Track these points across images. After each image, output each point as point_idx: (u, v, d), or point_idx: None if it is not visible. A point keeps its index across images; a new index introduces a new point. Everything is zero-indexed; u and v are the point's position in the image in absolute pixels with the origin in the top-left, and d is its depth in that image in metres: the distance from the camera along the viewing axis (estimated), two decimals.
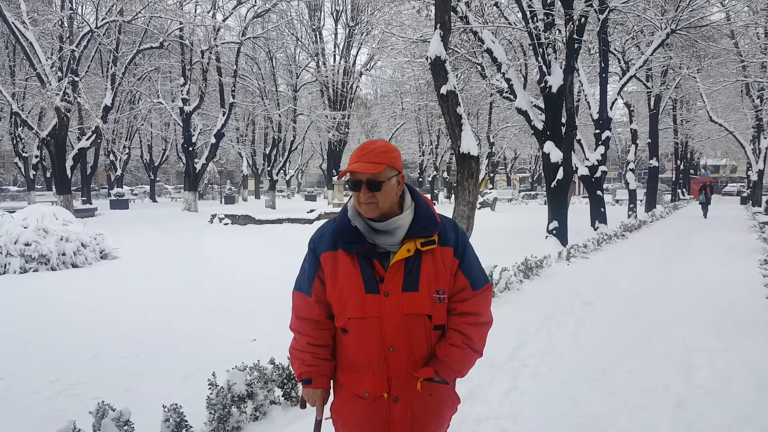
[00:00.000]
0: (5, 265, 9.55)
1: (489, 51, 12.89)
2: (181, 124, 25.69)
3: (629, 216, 20.08)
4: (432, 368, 1.80)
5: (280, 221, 19.72)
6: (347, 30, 31.22)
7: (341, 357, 1.89)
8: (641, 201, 27.04)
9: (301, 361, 1.90)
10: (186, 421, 3.13)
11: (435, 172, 38.46)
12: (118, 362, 4.84)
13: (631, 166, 22.10)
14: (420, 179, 40.70)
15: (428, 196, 37.92)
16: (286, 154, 33.31)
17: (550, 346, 5.17)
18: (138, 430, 2.96)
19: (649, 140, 24.74)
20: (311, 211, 21.52)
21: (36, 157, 30.18)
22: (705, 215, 22.91)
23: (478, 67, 16.29)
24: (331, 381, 1.93)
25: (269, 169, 31.55)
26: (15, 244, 9.78)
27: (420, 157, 38.67)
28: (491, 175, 36.37)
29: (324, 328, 1.88)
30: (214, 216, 20.13)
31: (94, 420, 2.87)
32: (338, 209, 22.14)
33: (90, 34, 20.10)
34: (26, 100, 26.53)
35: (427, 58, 10.07)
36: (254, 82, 29.50)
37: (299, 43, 31.58)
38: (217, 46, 24.00)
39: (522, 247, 10.73)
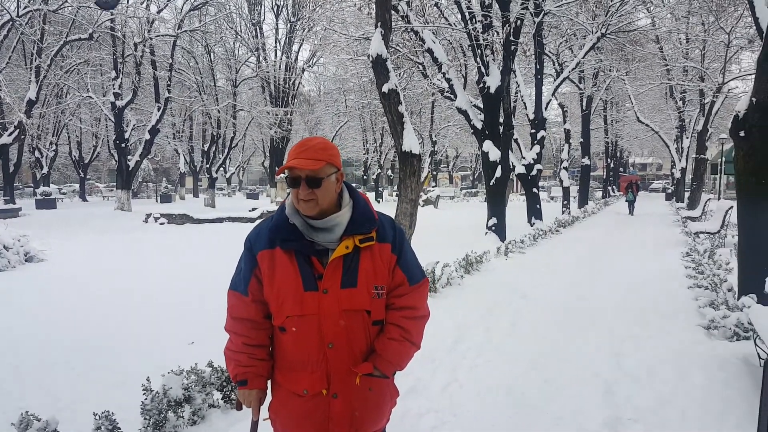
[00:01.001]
0: None
1: (430, 51, 13.07)
2: (113, 120, 24.47)
3: (563, 212, 20.92)
4: (371, 363, 1.82)
5: (220, 220, 19.21)
6: (288, 25, 30.75)
7: (279, 356, 1.88)
8: (574, 198, 28.32)
9: (236, 362, 1.88)
10: (119, 428, 3.04)
11: (379, 170, 38.65)
12: (44, 370, 4.58)
13: (565, 164, 23.07)
14: (364, 177, 40.79)
15: (372, 193, 38.26)
16: (226, 151, 32.47)
17: (488, 338, 5.31)
18: None
19: (582, 139, 25.87)
20: (253, 209, 21.08)
21: None
22: (631, 212, 23.50)
23: (420, 66, 16.48)
24: (269, 381, 1.93)
25: (208, 166, 30.64)
26: None
27: (364, 155, 38.76)
28: (434, 173, 36.93)
29: (260, 328, 1.87)
30: (149, 215, 19.33)
31: (16, 431, 2.75)
32: None
33: (11, 22, 18.81)
34: None
35: (368, 56, 10.10)
36: (191, 76, 28.53)
37: (239, 37, 30.81)
38: (151, 38, 23.03)
39: (463, 243, 10.95)
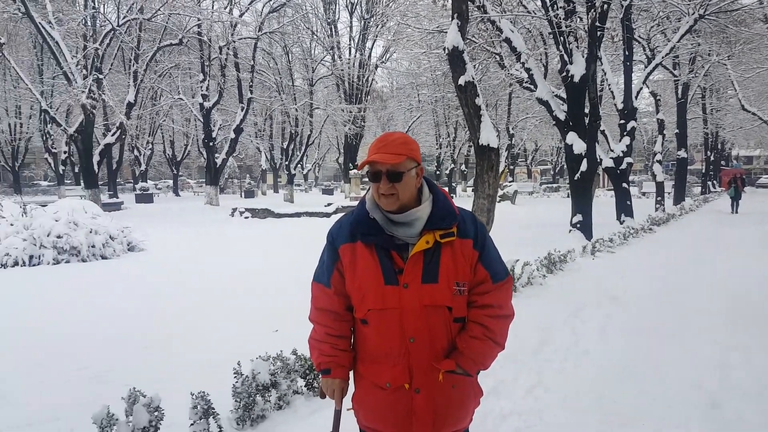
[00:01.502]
0: (39, 256, 9.84)
1: (508, 40, 12.66)
2: (202, 120, 25.91)
3: (657, 209, 19.64)
4: (453, 360, 1.79)
5: (298, 215, 19.80)
6: (362, 22, 31.06)
7: (361, 348, 1.90)
8: (669, 194, 26.38)
9: (319, 351, 1.92)
10: (213, 408, 3.20)
11: (453, 165, 38.13)
12: (143, 351, 4.96)
13: (658, 157, 21.58)
14: (437, 172, 40.49)
15: (446, 189, 37.75)
16: (303, 148, 33.39)
17: (574, 341, 5.03)
18: (167, 416, 3.02)
19: (677, 130, 24.13)
20: (328, 204, 21.58)
21: (65, 152, 30.76)
22: (735, 210, 21.44)
23: (497, 57, 16.04)
24: (351, 372, 1.94)
25: (287, 163, 31.68)
26: (48, 236, 10.08)
27: (437, 150, 38.40)
28: (511, 167, 35.92)
29: (342, 319, 1.90)
30: (234, 210, 20.31)
31: (126, 405, 2.94)
32: (355, 203, 22.03)
33: (112, 32, 20.36)
34: (54, 97, 27.04)
35: (444, 49, 9.93)
36: (271, 77, 29.58)
37: (315, 37, 31.54)
38: (234, 41, 24.11)
39: (544, 241, 10.54)
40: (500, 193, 24.98)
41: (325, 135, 42.38)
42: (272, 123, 37.61)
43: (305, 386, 3.82)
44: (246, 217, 19.67)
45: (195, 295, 7.23)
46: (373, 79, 33.09)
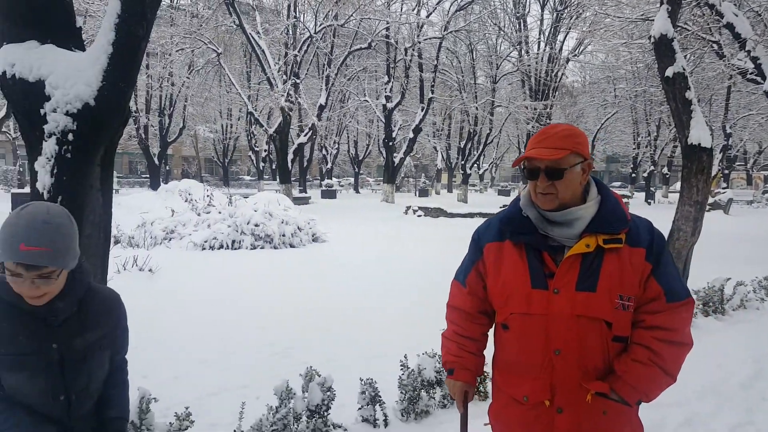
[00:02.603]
0: (240, 241, 11.13)
1: (729, 26, 10.78)
2: (384, 121, 27.11)
3: None
4: (608, 384, 1.57)
5: (471, 215, 19.56)
6: (554, 15, 29.51)
7: (500, 356, 1.77)
8: None
9: (447, 349, 1.86)
10: (380, 396, 3.34)
11: (653, 167, 34.13)
12: (322, 332, 5.33)
13: None
14: (633, 174, 36.73)
15: (642, 194, 34.13)
16: (481, 147, 32.97)
17: None
18: (337, 397, 3.18)
19: None
20: (504, 206, 20.69)
21: (265, 151, 34.86)
22: None
23: (714, 45, 13.87)
24: (487, 381, 1.90)
25: (463, 162, 31.58)
26: (247, 224, 11.39)
27: (634, 150, 34.84)
28: (726, 171, 31.00)
29: (473, 321, 1.82)
30: (408, 208, 20.81)
31: (303, 382, 3.17)
32: None
33: (309, 39, 22.32)
34: (258, 101, 30.68)
35: (649, 38, 8.81)
36: (453, 75, 29.72)
37: (501, 32, 30.85)
38: (419, 42, 24.69)
39: (764, 260, 8.88)
40: (711, 200, 21.64)
41: (505, 134, 41.37)
42: (451, 122, 37.87)
43: None
44: (419, 216, 20.02)
45: (369, 286, 7.53)
46: (563, 74, 31.32)
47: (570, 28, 29.10)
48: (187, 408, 2.84)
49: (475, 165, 35.23)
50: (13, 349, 1.43)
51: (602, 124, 35.04)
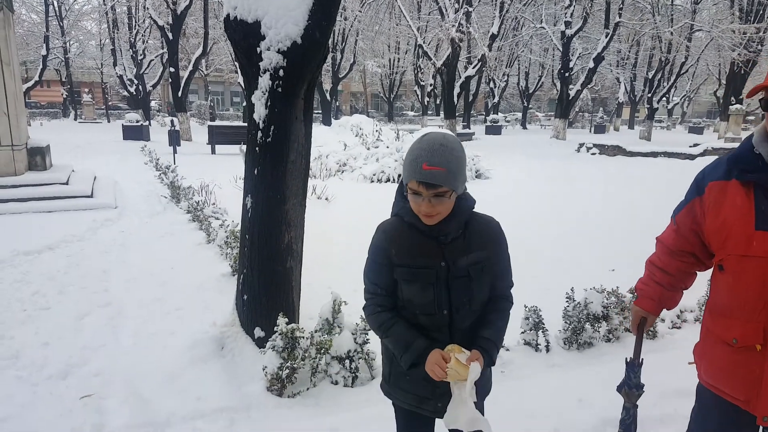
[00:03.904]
0: None
1: None
2: (560, 49, 25.24)
3: None
4: None
5: (654, 154, 17.82)
6: None
7: (712, 298, 1.72)
8: None
9: (641, 276, 1.97)
10: (543, 323, 3.52)
11: None
12: None
13: None
14: None
15: None
16: (673, 78, 29.06)
17: None
18: None
19: None
20: (695, 145, 18.69)
21: (430, 85, 34.87)
22: None
23: None
24: (701, 327, 1.79)
25: (649, 96, 28.31)
26: None
27: None
28: None
29: (672, 256, 1.85)
30: (581, 145, 19.61)
31: None
32: (730, 145, 18.36)
33: None
34: (427, 32, 30.50)
35: None
36: None
37: None
38: None
39: None
40: None
41: (703, 62, 35.72)
42: (639, 50, 33.78)
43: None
44: (593, 154, 18.78)
45: (533, 224, 7.47)
46: None
47: None
48: None
49: (664, 98, 31.32)
50: (410, 262, 1.65)
51: None
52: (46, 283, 4.90)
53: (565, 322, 3.52)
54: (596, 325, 3.56)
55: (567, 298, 3.60)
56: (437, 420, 1.79)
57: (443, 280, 1.64)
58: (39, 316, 4.18)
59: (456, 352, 1.57)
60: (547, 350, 3.43)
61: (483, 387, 1.76)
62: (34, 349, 3.62)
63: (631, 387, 1.95)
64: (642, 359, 1.97)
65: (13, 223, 7.15)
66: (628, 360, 1.98)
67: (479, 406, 1.73)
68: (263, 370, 3.01)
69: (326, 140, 14.80)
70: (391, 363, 1.79)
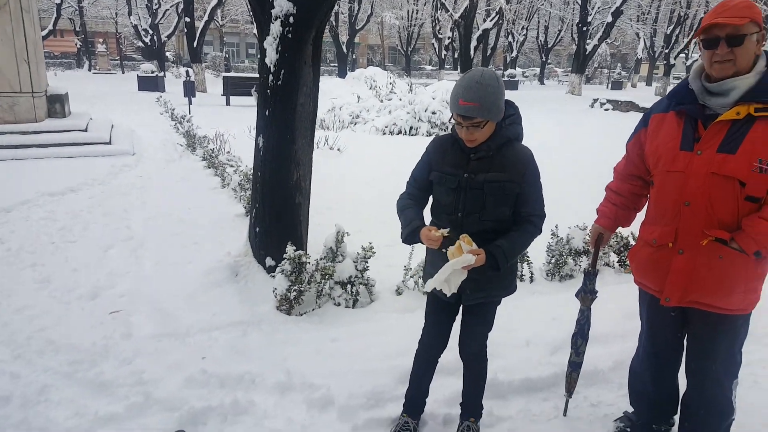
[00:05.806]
0: (417, 128, 11.83)
1: None
2: (579, 2, 24.57)
3: None
4: (730, 233, 1.74)
5: None
6: None
7: (647, 212, 2.06)
8: None
9: (601, 202, 2.30)
10: (528, 255, 3.82)
11: None
12: None
13: None
14: None
15: None
16: (692, 33, 28.13)
17: None
18: None
19: None
20: None
21: (448, 38, 34.19)
22: None
23: None
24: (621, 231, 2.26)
25: (667, 52, 27.61)
26: (425, 111, 11.96)
27: None
28: None
29: (624, 181, 2.17)
30: (595, 101, 19.45)
31: None
32: None
33: None
34: None
35: None
36: None
37: None
38: None
39: None
40: None
41: None
42: (660, 4, 32.74)
43: (618, 262, 4.07)
44: (606, 109, 18.65)
45: (543, 174, 7.65)
46: None
47: None
48: (370, 243, 3.62)
49: (683, 54, 30.51)
50: (442, 167, 2.00)
51: None
52: (71, 220, 5.25)
53: (548, 256, 3.82)
54: (577, 259, 3.85)
55: (552, 234, 3.87)
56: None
57: (463, 189, 1.95)
58: (67, 248, 4.54)
59: (464, 241, 1.86)
60: (531, 280, 3.75)
61: (506, 287, 2.10)
62: (64, 274, 3.99)
63: (586, 292, 2.29)
64: (597, 270, 2.30)
65: (35, 167, 7.49)
66: (585, 270, 2.31)
67: (496, 298, 2.13)
68: (273, 291, 3.37)
69: (340, 92, 14.88)
70: (428, 265, 2.18)
